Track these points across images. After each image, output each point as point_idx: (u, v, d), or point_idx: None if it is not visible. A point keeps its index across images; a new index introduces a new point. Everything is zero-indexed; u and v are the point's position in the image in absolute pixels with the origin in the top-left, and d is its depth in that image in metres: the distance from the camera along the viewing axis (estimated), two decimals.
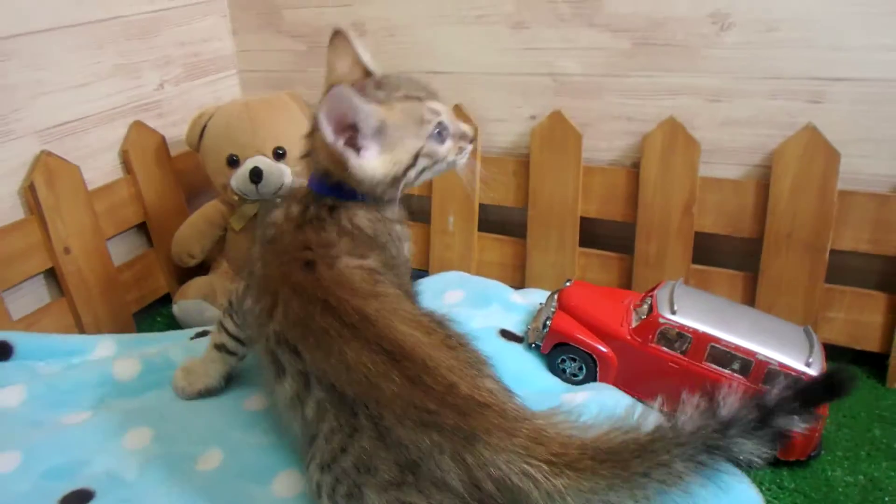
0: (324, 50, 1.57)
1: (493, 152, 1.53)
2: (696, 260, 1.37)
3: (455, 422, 0.75)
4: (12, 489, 0.93)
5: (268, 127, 1.43)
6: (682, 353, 1.07)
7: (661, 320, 1.07)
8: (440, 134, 0.93)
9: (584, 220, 1.44)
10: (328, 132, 0.89)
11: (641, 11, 1.30)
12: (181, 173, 1.63)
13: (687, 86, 1.32)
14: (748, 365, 1.03)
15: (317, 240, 0.90)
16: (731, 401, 0.80)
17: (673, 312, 1.07)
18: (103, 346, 1.27)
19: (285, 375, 0.86)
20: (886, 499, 1.02)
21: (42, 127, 1.33)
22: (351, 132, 0.91)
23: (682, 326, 1.06)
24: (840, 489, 1.04)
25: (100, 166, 1.46)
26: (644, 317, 1.11)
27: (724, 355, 1.05)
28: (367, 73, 1.01)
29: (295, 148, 1.41)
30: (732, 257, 1.39)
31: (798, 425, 0.79)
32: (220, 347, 1.08)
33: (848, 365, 0.80)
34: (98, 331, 1.42)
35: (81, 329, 1.40)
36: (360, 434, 0.78)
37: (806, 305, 1.29)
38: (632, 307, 1.16)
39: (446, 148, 0.95)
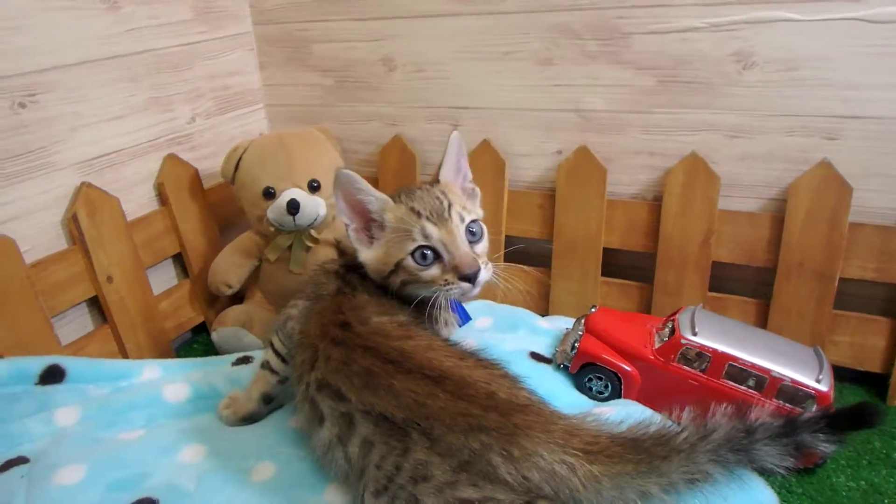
0: (353, 84, 1.69)
1: (518, 186, 1.58)
2: (711, 288, 1.44)
3: (498, 422, 0.83)
4: (82, 499, 0.99)
5: (302, 160, 1.48)
6: (702, 371, 1.14)
7: (682, 341, 1.15)
8: (424, 257, 0.97)
9: (605, 250, 1.50)
10: (341, 210, 1.01)
11: (667, 50, 1.37)
12: (214, 205, 1.68)
13: (708, 122, 1.38)
14: (763, 381, 1.11)
15: (349, 304, 0.99)
16: (761, 412, 0.88)
17: (694, 334, 1.15)
18: (149, 370, 1.33)
19: (324, 421, 0.93)
20: (886, 501, 1.10)
21: (81, 159, 1.38)
22: (366, 219, 1.02)
23: (702, 346, 1.14)
24: (844, 493, 1.12)
25: (136, 198, 1.51)
26: (666, 339, 1.18)
27: (741, 373, 1.12)
28: (437, 180, 1.08)
29: (328, 181, 1.48)
30: (746, 285, 1.46)
31: (821, 444, 0.86)
32: (264, 365, 1.13)
33: (876, 402, 0.87)
34: (140, 356, 1.47)
35: (125, 354, 1.45)
36: (413, 450, 0.84)
37: (814, 329, 1.36)
38: (654, 330, 1.23)
39: (430, 274, 0.98)
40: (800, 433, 0.85)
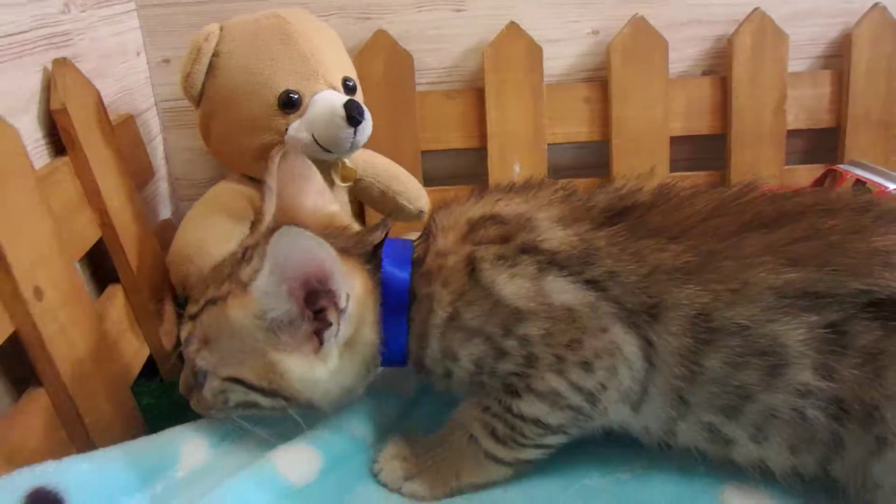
0: None
1: (551, 80, 1.23)
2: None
3: None
4: None
5: (325, 50, 0.95)
6: None
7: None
8: None
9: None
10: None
11: None
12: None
13: None
14: None
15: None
16: None
17: None
18: (191, 451, 0.70)
19: (786, 370, 0.59)
20: None
21: None
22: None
23: None
24: None
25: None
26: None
27: None
28: None
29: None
30: (814, 153, 1.34)
31: None
32: (509, 464, 0.68)
33: None
34: (106, 434, 0.74)
35: (88, 440, 0.72)
36: None
37: None
38: None
39: None
40: None
